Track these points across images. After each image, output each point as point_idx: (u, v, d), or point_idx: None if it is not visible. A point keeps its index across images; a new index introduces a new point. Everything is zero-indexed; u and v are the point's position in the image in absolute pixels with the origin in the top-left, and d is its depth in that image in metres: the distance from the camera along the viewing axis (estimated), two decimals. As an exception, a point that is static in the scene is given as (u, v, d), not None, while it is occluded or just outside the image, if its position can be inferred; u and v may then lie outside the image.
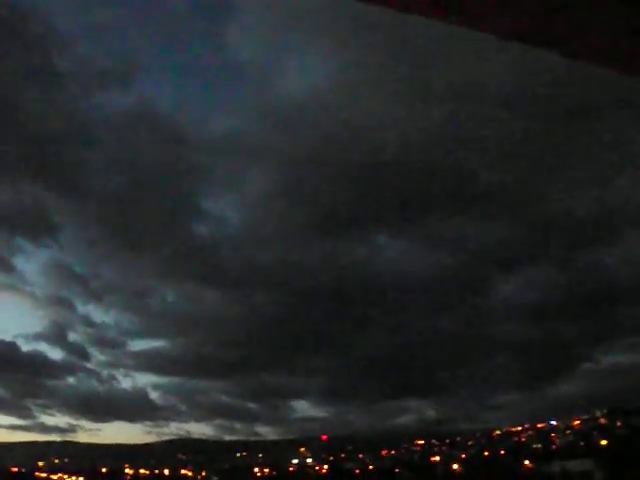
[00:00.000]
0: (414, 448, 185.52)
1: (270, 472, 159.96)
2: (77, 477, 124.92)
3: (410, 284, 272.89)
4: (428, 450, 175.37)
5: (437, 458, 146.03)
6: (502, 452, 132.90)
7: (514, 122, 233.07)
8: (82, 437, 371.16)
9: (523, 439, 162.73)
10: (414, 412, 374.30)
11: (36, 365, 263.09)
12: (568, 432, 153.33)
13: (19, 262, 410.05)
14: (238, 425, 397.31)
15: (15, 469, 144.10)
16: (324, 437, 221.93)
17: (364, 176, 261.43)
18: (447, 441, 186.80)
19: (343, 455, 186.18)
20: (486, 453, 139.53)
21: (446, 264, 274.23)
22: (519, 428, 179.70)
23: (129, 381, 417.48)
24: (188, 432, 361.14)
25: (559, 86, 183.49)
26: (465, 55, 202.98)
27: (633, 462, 68.62)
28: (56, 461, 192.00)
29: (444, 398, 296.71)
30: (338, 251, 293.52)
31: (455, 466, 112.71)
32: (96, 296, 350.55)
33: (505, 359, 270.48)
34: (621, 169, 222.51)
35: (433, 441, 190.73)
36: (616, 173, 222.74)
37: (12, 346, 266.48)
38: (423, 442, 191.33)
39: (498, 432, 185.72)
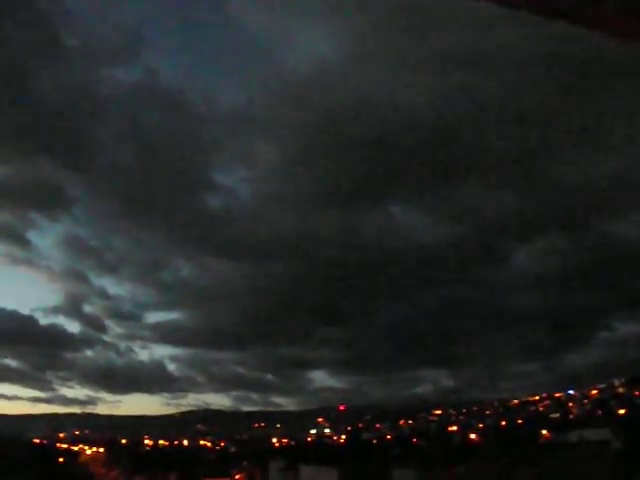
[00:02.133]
0: (431, 418, 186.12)
1: (288, 442, 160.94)
2: (98, 448, 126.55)
3: (425, 254, 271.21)
4: (445, 420, 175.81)
5: (454, 428, 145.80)
6: (519, 422, 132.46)
7: (528, 89, 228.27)
8: (102, 409, 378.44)
9: (541, 408, 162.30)
10: (431, 382, 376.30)
11: (54, 338, 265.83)
12: (586, 401, 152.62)
13: (34, 236, 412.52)
14: (255, 396, 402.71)
15: (37, 440, 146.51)
16: (342, 407, 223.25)
17: (376, 146, 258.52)
18: (464, 411, 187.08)
19: (361, 425, 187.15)
20: (503, 423, 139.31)
21: (461, 233, 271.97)
22: (537, 398, 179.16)
23: (146, 353, 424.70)
24: (206, 403, 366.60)
25: (574, 53, 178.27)
26: (477, 21, 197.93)
27: (652, 431, 67.57)
28: (77, 433, 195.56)
29: (461, 368, 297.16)
30: (352, 221, 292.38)
31: (472, 436, 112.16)
32: (110, 269, 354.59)
33: (522, 328, 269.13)
34: (635, 138, 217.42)
35: (450, 411, 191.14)
36: (631, 142, 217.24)
37: (30, 319, 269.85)
38: (440, 412, 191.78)
39: (515, 402, 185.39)
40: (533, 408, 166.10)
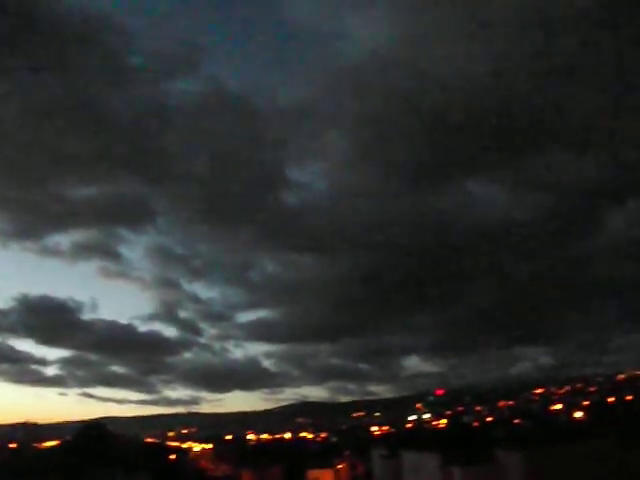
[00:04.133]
0: (532, 397, 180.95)
1: (388, 430, 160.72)
2: (205, 445, 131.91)
3: (511, 229, 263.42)
4: (548, 398, 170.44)
5: (558, 407, 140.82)
6: (629, 398, 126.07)
7: (606, 51, 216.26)
8: (205, 408, 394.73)
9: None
10: (529, 360, 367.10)
11: (154, 343, 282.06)
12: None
13: (124, 250, 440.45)
14: (351, 386, 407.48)
15: (149, 440, 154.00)
16: (439, 391, 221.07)
17: (444, 123, 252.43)
18: (567, 388, 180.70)
19: (460, 408, 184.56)
20: (611, 399, 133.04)
21: (547, 204, 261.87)
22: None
23: (241, 352, 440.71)
24: (304, 396, 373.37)
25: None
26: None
27: None
28: (184, 431, 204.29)
29: (560, 343, 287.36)
30: (430, 204, 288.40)
31: (578, 414, 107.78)
32: (199, 274, 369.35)
33: (623, 298, 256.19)
34: None
35: (552, 389, 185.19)
36: None
37: (130, 328, 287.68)
38: (542, 390, 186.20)
39: (622, 376, 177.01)
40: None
